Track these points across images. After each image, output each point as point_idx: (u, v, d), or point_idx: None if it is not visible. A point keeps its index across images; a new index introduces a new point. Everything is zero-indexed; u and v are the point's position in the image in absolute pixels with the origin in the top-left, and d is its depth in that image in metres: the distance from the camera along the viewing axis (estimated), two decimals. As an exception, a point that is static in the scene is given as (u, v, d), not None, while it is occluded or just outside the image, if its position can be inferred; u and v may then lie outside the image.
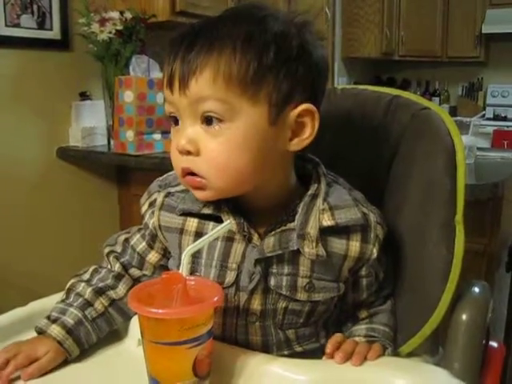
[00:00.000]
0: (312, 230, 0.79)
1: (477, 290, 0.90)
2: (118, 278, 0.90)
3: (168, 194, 0.86)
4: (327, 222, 0.79)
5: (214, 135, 0.74)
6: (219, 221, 0.81)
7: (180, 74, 0.73)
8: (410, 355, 0.87)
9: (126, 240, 0.92)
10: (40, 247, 2.36)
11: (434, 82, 5.61)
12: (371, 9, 4.65)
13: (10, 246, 2.25)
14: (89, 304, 0.86)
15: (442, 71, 5.49)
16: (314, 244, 0.78)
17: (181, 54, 0.73)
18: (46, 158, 2.38)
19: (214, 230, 0.76)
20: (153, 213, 0.87)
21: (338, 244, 0.81)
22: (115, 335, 0.90)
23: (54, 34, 2.35)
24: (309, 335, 0.86)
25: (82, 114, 2.44)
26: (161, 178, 0.90)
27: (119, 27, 2.25)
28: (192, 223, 0.83)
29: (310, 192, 0.82)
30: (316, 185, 0.83)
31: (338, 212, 0.80)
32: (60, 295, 0.92)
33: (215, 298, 0.69)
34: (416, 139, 0.93)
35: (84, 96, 2.46)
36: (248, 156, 0.74)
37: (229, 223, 0.77)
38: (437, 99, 5.43)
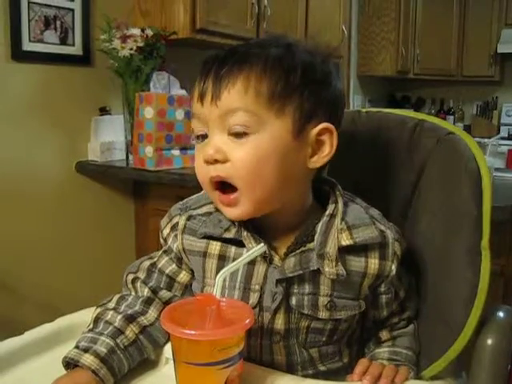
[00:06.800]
0: (331, 249, 0.80)
1: (501, 314, 0.89)
2: (148, 302, 0.87)
3: (190, 217, 0.87)
4: (346, 241, 0.81)
5: (241, 144, 0.76)
6: (240, 245, 0.83)
7: (212, 87, 0.77)
8: (433, 379, 0.87)
9: (152, 265, 0.91)
10: (56, 260, 2.37)
11: (448, 100, 5.61)
12: (387, 27, 4.68)
13: (26, 259, 2.27)
14: (120, 332, 0.82)
15: (456, 90, 5.49)
16: (334, 263, 0.79)
17: (213, 70, 0.78)
18: (66, 171, 2.40)
19: (249, 253, 0.77)
20: (176, 236, 0.88)
21: (357, 262, 0.83)
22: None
23: (76, 49, 2.38)
24: (332, 354, 0.87)
25: (101, 129, 2.46)
26: (181, 202, 0.91)
27: (140, 44, 2.28)
28: (215, 246, 0.84)
29: (327, 212, 0.83)
30: (334, 205, 0.84)
31: (356, 231, 0.82)
32: (85, 311, 0.92)
33: (247, 321, 0.69)
34: (441, 164, 0.94)
35: (104, 111, 2.48)
36: (273, 165, 0.77)
37: (262, 246, 0.78)
38: (451, 118, 5.42)
